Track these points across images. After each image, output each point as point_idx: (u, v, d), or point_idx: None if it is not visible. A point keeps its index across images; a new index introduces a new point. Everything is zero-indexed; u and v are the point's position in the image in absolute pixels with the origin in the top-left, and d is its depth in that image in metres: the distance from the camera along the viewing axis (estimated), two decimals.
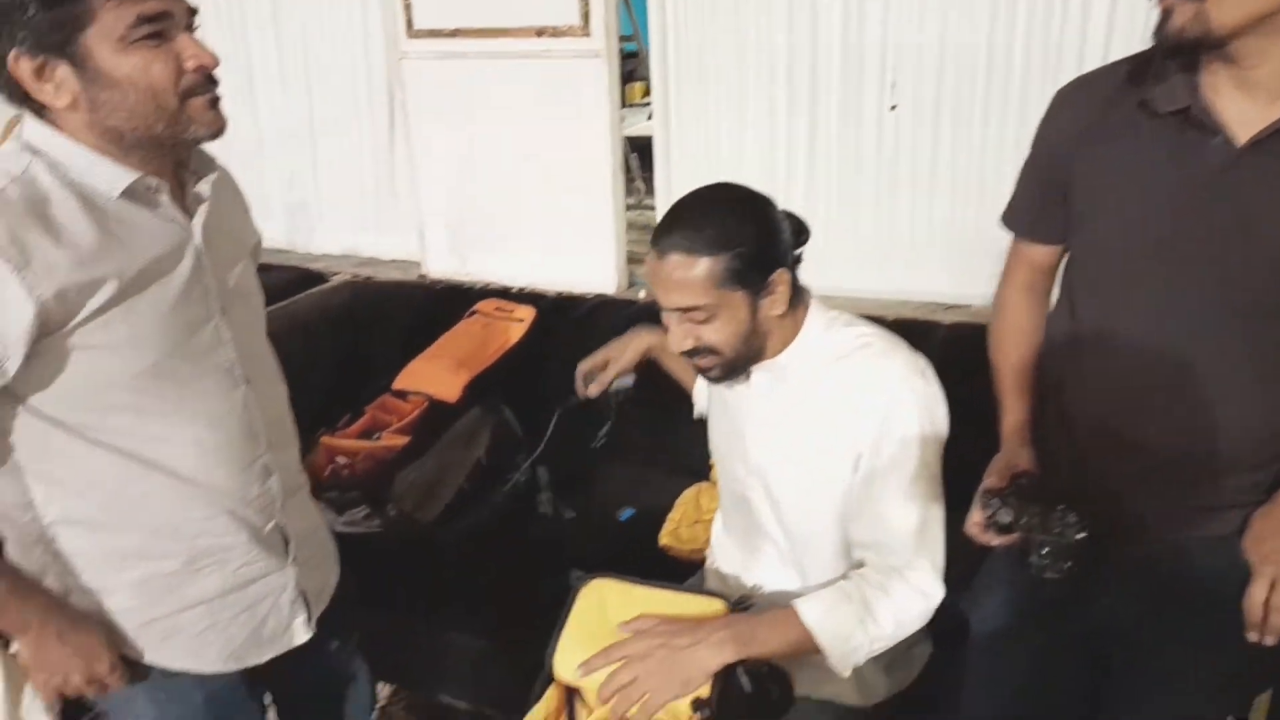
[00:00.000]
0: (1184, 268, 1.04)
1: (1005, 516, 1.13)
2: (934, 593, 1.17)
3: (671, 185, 2.89)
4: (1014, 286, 1.29)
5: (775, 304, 1.18)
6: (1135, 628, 1.19)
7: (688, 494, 1.89)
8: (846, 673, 1.17)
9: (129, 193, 1.01)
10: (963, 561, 1.25)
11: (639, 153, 4.27)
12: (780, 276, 1.17)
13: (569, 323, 2.27)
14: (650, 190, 3.39)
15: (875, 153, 2.60)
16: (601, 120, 2.97)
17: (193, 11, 1.01)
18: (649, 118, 3.59)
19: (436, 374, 2.16)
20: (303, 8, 3.15)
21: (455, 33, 3.11)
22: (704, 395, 1.51)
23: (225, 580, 1.16)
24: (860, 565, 1.23)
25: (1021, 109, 2.28)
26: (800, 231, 1.24)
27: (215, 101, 1.02)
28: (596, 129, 3.01)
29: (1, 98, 0.99)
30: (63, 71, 0.95)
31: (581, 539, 1.90)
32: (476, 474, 1.99)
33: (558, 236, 2.73)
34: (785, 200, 1.26)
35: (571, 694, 1.24)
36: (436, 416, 2.09)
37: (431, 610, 1.77)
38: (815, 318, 1.24)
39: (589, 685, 1.18)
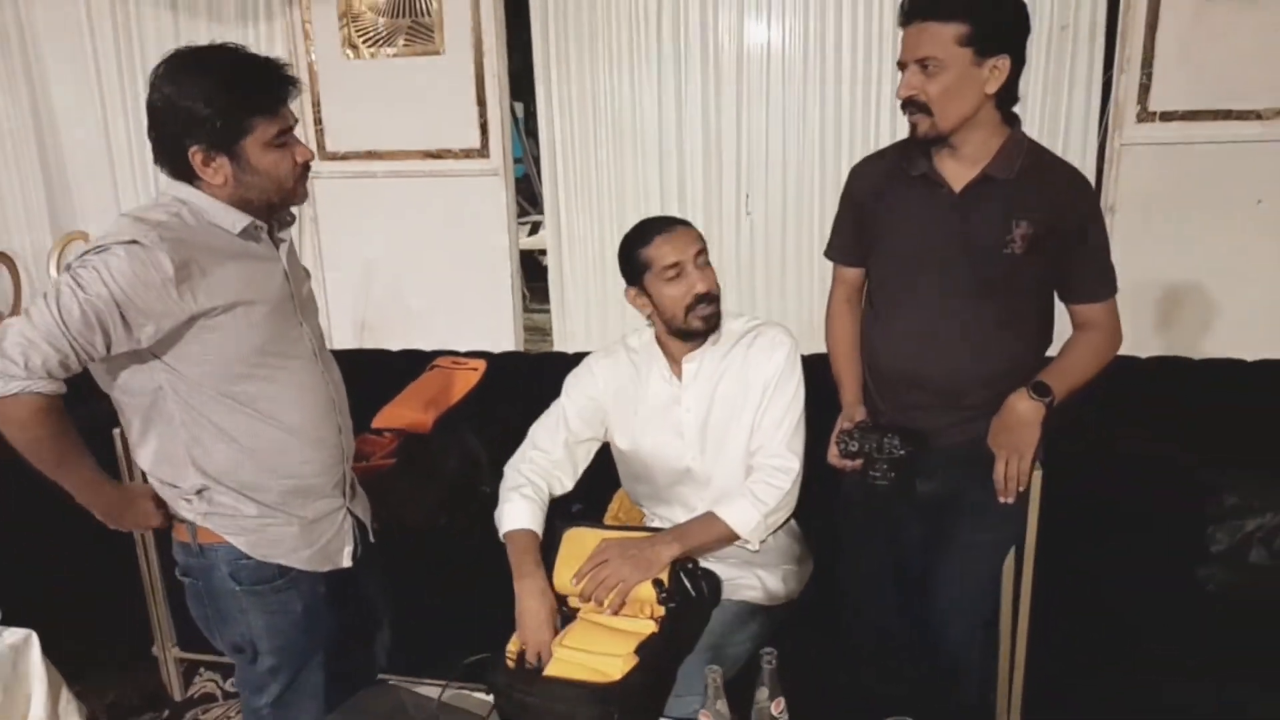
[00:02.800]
0: (931, 269, 1.65)
1: (853, 446, 1.70)
2: (795, 467, 1.72)
3: (564, 279, 3.45)
4: (837, 301, 1.88)
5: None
6: (939, 509, 1.75)
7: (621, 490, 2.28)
8: (756, 544, 1.71)
9: (244, 232, 1.50)
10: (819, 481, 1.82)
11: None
12: None
13: (517, 369, 2.71)
14: (533, 297, 3.90)
15: (734, 248, 3.34)
16: (500, 229, 3.50)
17: (297, 122, 1.54)
18: (529, 233, 4.18)
19: (408, 413, 2.52)
20: None
21: (368, 154, 3.58)
22: (624, 439, 1.89)
23: (313, 508, 1.62)
24: (750, 470, 1.75)
25: None
26: None
27: (306, 180, 1.56)
28: (496, 237, 3.52)
29: (166, 172, 1.50)
30: (221, 161, 1.45)
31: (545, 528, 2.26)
32: (450, 488, 2.39)
33: (460, 327, 3.11)
34: None
35: (560, 608, 1.66)
36: (412, 445, 2.43)
37: (421, 593, 2.10)
38: (725, 318, 1.79)
39: (575, 592, 1.63)
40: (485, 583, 2.15)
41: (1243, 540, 1.95)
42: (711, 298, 1.72)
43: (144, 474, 1.58)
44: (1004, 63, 1.52)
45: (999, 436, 1.63)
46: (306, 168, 1.53)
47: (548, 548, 1.73)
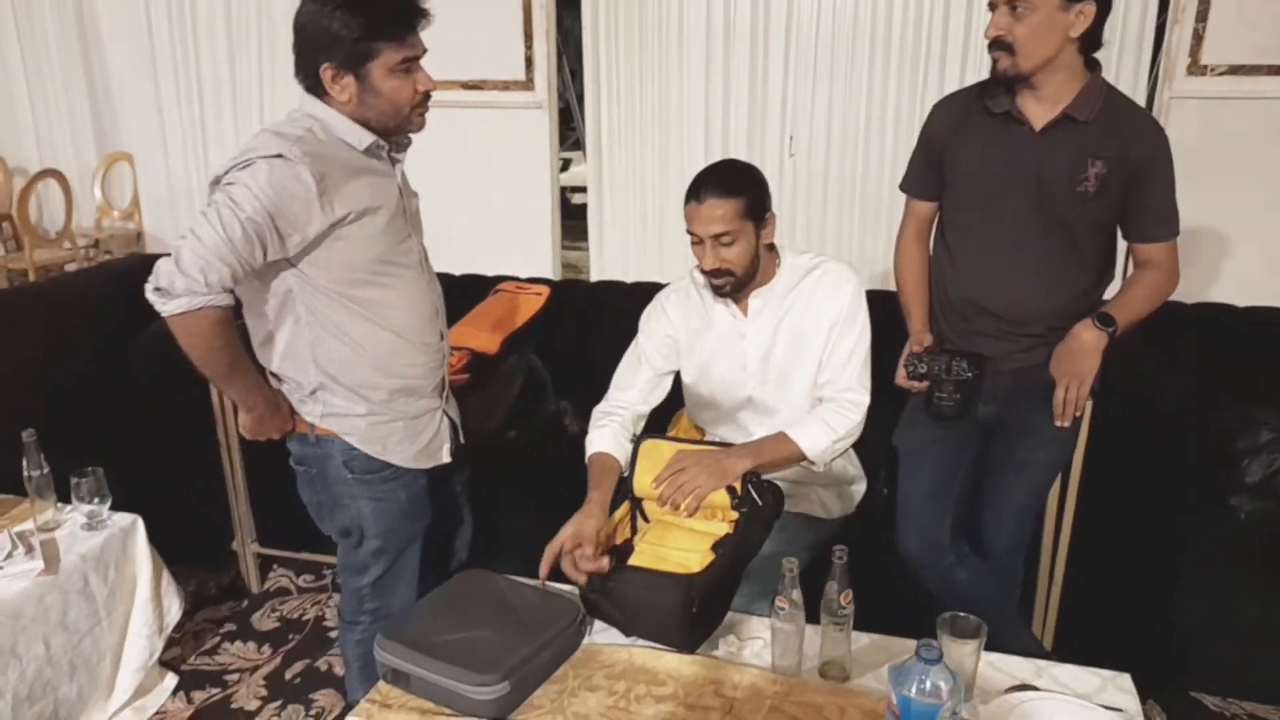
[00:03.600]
0: (1004, 204, 1.75)
1: (921, 369, 1.80)
2: (865, 401, 1.80)
3: (603, 217, 3.49)
4: (908, 233, 1.97)
5: (769, 235, 1.81)
6: (996, 430, 1.87)
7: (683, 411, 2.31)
8: (822, 466, 1.81)
9: (367, 149, 1.60)
10: (889, 408, 1.92)
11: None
12: (771, 216, 1.80)
13: (577, 296, 2.83)
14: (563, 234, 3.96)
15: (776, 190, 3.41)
16: (542, 163, 3.54)
17: (425, 52, 1.62)
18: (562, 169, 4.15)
19: (477, 334, 2.62)
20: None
21: None
22: (691, 370, 1.97)
23: (415, 407, 1.75)
24: (819, 401, 1.85)
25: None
26: None
27: (425, 111, 1.65)
28: (538, 171, 3.55)
29: (302, 86, 1.60)
30: (348, 80, 1.55)
31: None
32: (516, 405, 2.53)
33: (498, 263, 3.17)
34: None
35: (635, 513, 1.78)
36: (481, 365, 2.53)
37: (498, 497, 2.25)
38: (786, 252, 1.88)
39: (653, 496, 1.73)
40: (552, 492, 2.33)
41: (1275, 473, 2.07)
42: (719, 273, 1.77)
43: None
44: (1090, 8, 1.60)
45: (1062, 363, 1.74)
46: (427, 96, 1.62)
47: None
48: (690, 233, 1.77)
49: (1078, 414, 1.77)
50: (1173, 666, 2.12)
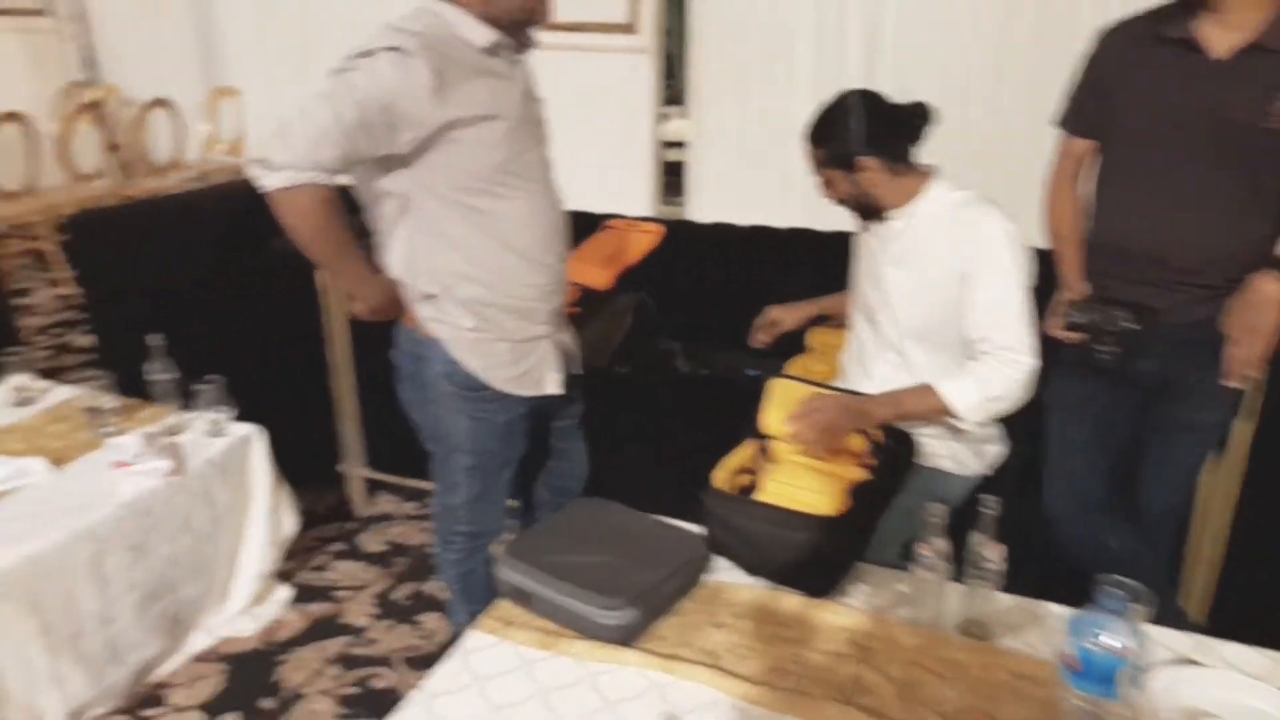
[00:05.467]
0: (1175, 140, 1.59)
1: (1080, 318, 1.67)
2: (1029, 363, 1.64)
3: (704, 170, 3.33)
4: (1061, 174, 1.82)
5: (869, 180, 1.70)
6: (1157, 388, 1.72)
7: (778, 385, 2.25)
8: (971, 425, 1.69)
9: (490, 48, 1.53)
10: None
11: None
12: (863, 162, 1.69)
13: (689, 236, 2.75)
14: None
15: None
16: (643, 112, 3.37)
17: None
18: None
19: (588, 268, 2.56)
20: None
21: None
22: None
23: (525, 329, 1.69)
24: (973, 357, 1.72)
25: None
26: (915, 121, 1.72)
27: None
28: (638, 121, 3.39)
29: None
30: None
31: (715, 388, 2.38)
32: (628, 340, 2.47)
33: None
34: None
35: (762, 452, 1.70)
36: (591, 299, 2.48)
37: (609, 433, 2.17)
38: (936, 184, 1.74)
39: (785, 434, 1.64)
40: (663, 429, 2.29)
41: None
42: (839, 203, 1.77)
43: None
44: None
45: (1239, 316, 1.59)
46: None
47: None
48: None
49: (1254, 374, 1.61)
50: None
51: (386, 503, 2.75)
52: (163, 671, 1.99)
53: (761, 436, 1.70)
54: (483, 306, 1.63)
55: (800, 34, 3.25)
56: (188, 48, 5.48)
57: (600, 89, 3.41)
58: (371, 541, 2.56)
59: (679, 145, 3.78)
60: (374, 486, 2.74)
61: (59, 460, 1.93)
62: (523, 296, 1.66)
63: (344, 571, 2.43)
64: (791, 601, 1.40)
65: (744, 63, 3.34)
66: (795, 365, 2.23)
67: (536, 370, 1.73)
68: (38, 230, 4.70)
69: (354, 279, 1.60)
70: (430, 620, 2.24)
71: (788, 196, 3.13)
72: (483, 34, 1.51)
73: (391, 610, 2.28)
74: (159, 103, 5.08)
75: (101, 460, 1.92)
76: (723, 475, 1.66)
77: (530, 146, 1.62)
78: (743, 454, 1.70)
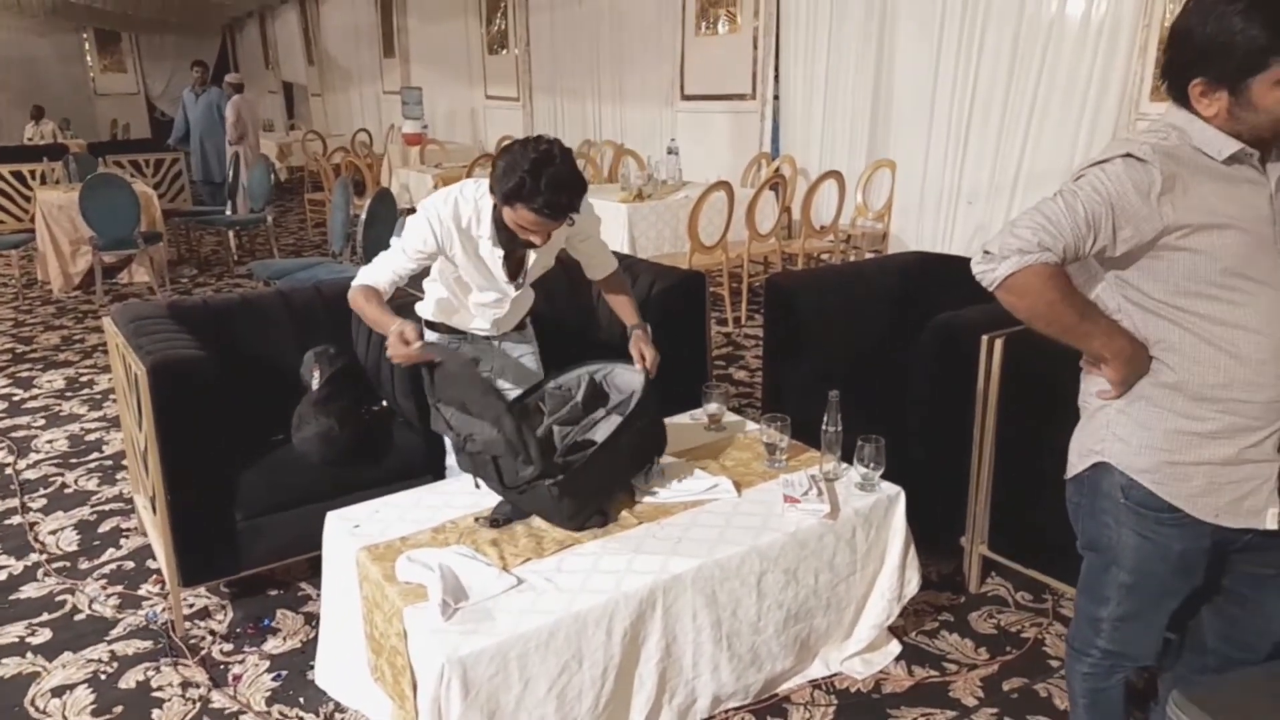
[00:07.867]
0: None
1: None
2: None
3: None
4: None
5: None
6: None
7: None
8: None
9: (1230, 158, 1.43)
10: None
11: None
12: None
13: None
14: None
15: None
16: None
17: None
18: None
19: None
20: None
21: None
22: None
23: (1231, 453, 1.50)
24: None
25: None
26: None
27: None
28: None
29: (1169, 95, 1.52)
30: (1220, 94, 1.41)
31: None
32: None
33: None
34: None
35: None
36: None
37: None
38: None
39: None
40: None
41: None
42: None
43: None
44: None
45: None
46: None
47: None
48: None
49: None
50: None
51: (998, 585, 2.69)
52: (784, 686, 2.24)
53: None
54: (1190, 421, 1.51)
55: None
56: (859, 125, 6.12)
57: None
58: (982, 622, 2.53)
59: None
60: (988, 565, 2.71)
61: (740, 482, 2.31)
62: (1239, 411, 1.49)
63: (953, 644, 2.44)
64: None
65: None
66: None
67: (1250, 499, 1.52)
68: (719, 278, 5.65)
69: (1106, 337, 1.53)
70: None
71: None
72: (1221, 145, 1.44)
73: (999, 698, 2.23)
74: (831, 174, 5.73)
75: (773, 490, 2.24)
76: None
77: (1275, 251, 1.46)
78: None
